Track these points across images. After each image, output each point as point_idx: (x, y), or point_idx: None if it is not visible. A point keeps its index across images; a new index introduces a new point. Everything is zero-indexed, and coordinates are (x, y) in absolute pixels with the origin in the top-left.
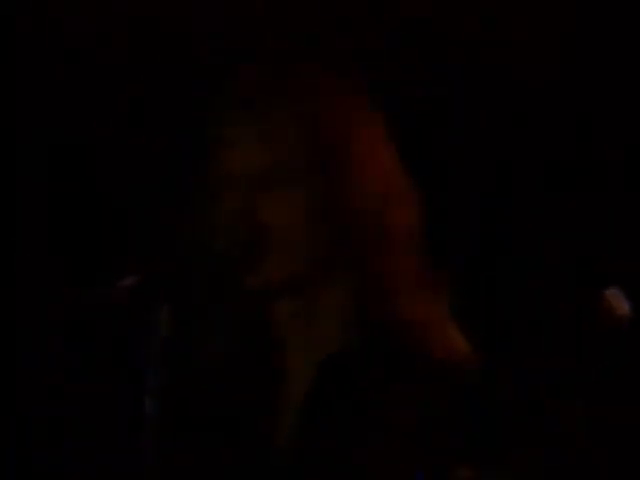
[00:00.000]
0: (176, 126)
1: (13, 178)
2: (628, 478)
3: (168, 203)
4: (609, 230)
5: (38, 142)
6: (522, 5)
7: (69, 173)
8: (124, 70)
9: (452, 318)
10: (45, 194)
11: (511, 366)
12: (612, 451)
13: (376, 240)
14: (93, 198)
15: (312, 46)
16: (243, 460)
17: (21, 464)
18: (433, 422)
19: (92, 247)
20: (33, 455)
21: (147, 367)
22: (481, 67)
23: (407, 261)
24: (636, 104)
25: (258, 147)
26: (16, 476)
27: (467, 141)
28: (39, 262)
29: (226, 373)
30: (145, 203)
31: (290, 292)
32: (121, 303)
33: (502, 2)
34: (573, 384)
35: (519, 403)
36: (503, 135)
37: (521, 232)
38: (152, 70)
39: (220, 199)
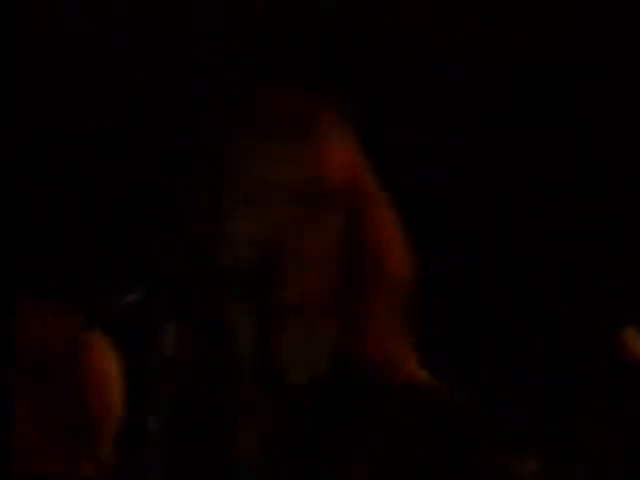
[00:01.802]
0: (176, 127)
1: (13, 179)
2: None
3: (173, 215)
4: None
5: (38, 142)
6: (522, 5)
7: (69, 174)
8: (124, 70)
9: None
10: (45, 199)
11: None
12: None
13: (371, 281)
14: (93, 205)
15: (312, 47)
16: (245, 476)
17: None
18: (416, 448)
19: (94, 262)
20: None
21: (150, 383)
22: (481, 67)
23: (390, 308)
24: (636, 105)
25: (278, 169)
26: None
27: (467, 142)
28: (40, 276)
29: (229, 390)
30: (148, 214)
31: (295, 315)
32: (124, 319)
33: (502, 2)
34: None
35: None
36: (502, 138)
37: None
38: (152, 70)
39: (233, 216)
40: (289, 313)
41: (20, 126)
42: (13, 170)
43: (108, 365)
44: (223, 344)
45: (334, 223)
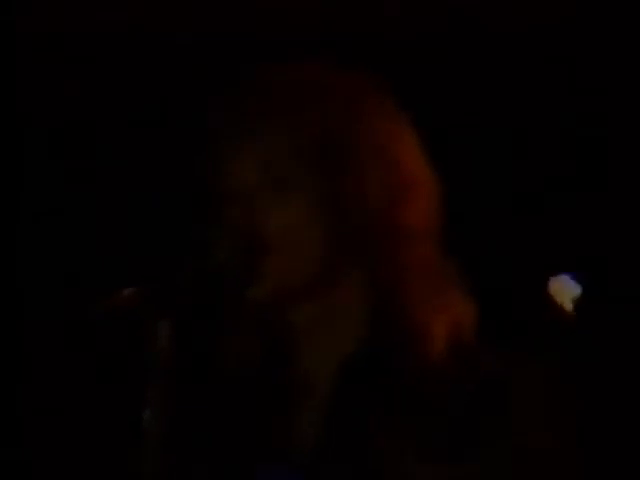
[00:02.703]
0: (176, 128)
1: (14, 179)
2: None
3: (168, 213)
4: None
5: (38, 143)
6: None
7: (70, 175)
8: (124, 70)
9: (468, 301)
10: (46, 198)
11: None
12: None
13: (384, 238)
14: (93, 204)
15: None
16: (246, 471)
17: (21, 474)
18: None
19: (92, 258)
20: (33, 467)
21: (147, 380)
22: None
23: (419, 256)
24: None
25: (254, 151)
26: None
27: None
28: (41, 274)
29: (229, 384)
30: (145, 212)
31: (300, 295)
32: (121, 314)
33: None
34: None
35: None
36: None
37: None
38: (152, 70)
39: (220, 209)
40: (290, 295)
41: (20, 125)
42: (14, 170)
43: None
44: (220, 339)
45: (304, 198)
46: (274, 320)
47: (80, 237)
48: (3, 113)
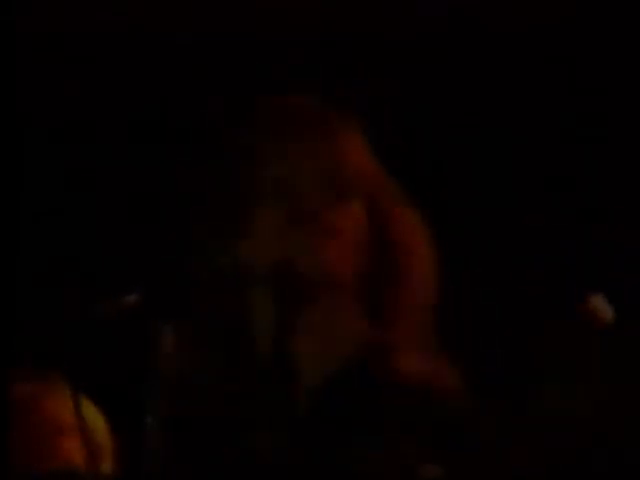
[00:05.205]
0: (176, 131)
1: (14, 179)
2: None
3: (171, 220)
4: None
5: (38, 143)
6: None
7: (70, 175)
8: (124, 70)
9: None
10: (46, 198)
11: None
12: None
13: (398, 275)
14: (93, 204)
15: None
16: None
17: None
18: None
19: (92, 258)
20: None
21: (150, 383)
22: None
23: (417, 301)
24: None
25: (274, 166)
26: None
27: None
28: (41, 274)
29: (228, 391)
30: (147, 217)
31: (306, 302)
32: (125, 319)
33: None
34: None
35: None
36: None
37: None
38: (152, 70)
39: (227, 219)
40: (315, 290)
41: (20, 125)
42: (14, 170)
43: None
44: (221, 346)
45: (354, 211)
46: (271, 329)
47: (80, 237)
48: (3, 113)
